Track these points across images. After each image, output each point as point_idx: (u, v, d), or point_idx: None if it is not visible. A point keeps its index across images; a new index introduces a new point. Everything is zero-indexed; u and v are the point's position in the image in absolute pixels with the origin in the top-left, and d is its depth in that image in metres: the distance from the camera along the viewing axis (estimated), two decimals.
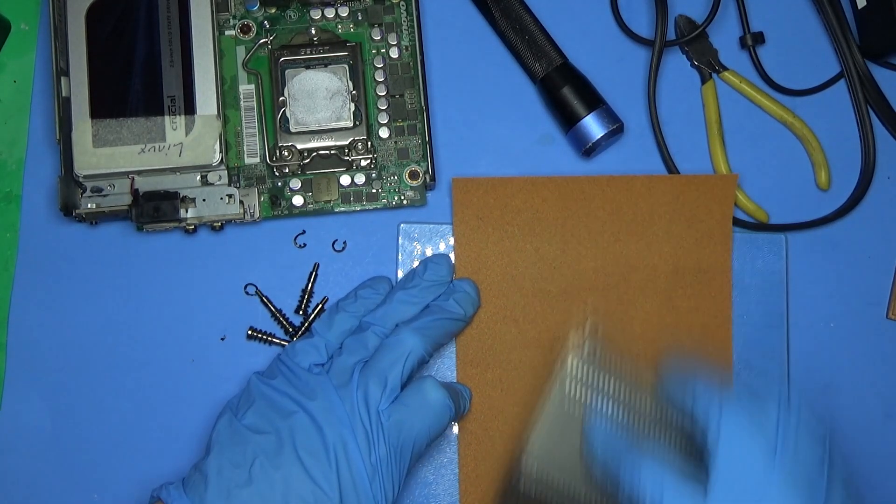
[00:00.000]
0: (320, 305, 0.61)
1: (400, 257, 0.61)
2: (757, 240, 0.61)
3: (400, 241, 0.61)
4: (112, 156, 0.59)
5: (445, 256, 0.60)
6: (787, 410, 0.50)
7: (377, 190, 0.62)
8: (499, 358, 0.60)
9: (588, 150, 0.61)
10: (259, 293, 0.61)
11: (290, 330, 0.61)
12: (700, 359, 0.57)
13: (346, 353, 0.56)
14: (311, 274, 0.62)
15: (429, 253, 0.61)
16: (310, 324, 0.61)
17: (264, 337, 0.61)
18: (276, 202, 0.61)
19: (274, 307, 0.61)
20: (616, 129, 0.61)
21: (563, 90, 0.61)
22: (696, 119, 0.63)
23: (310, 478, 0.52)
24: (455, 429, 0.60)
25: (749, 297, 0.61)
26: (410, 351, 0.55)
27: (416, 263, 0.61)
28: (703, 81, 0.63)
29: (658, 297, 0.60)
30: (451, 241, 0.61)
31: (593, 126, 0.60)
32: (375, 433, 0.53)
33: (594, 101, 0.61)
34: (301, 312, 0.61)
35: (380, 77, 0.62)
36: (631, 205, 0.61)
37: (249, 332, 0.61)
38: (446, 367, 0.61)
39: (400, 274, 0.61)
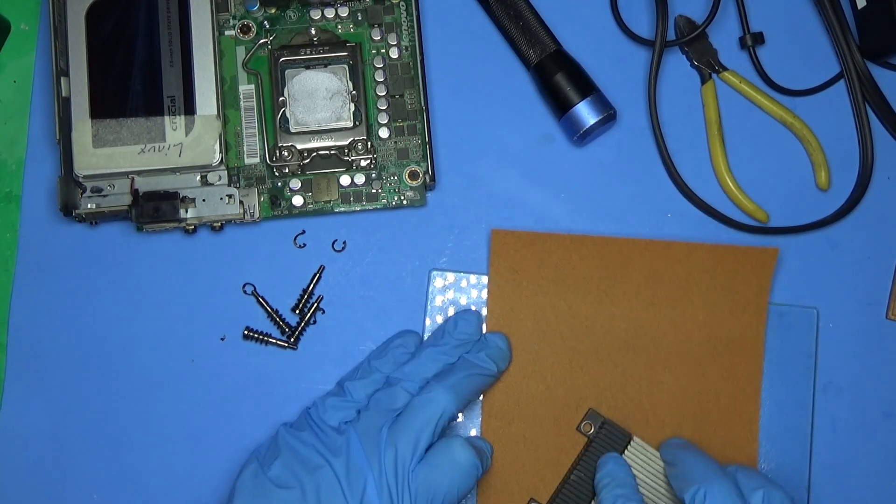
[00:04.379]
0: (316, 305, 0.61)
1: (429, 305, 0.61)
2: (788, 313, 0.61)
3: (430, 288, 0.61)
4: (112, 156, 0.59)
5: (476, 313, 0.59)
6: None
7: (377, 190, 0.62)
8: (524, 413, 0.60)
9: (581, 136, 0.61)
10: (255, 293, 0.61)
11: (287, 330, 0.61)
12: (695, 450, 0.58)
13: (373, 408, 0.55)
14: (314, 275, 0.61)
15: (453, 296, 0.61)
16: (306, 324, 0.61)
17: (260, 337, 0.61)
18: (276, 202, 0.61)
19: (270, 307, 0.61)
20: (609, 115, 0.61)
21: (557, 77, 0.61)
22: (696, 119, 0.63)
23: None
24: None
25: (774, 369, 0.61)
26: (443, 411, 0.54)
27: (441, 309, 0.61)
28: (703, 81, 0.63)
29: (688, 364, 0.60)
30: (481, 290, 0.61)
31: (586, 112, 0.60)
32: (401, 493, 0.52)
33: (587, 87, 0.61)
34: (297, 311, 0.61)
35: (380, 77, 0.62)
36: (668, 270, 0.60)
37: (245, 332, 0.61)
38: (470, 420, 0.60)
39: (427, 323, 0.61)
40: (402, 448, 0.53)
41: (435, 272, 0.61)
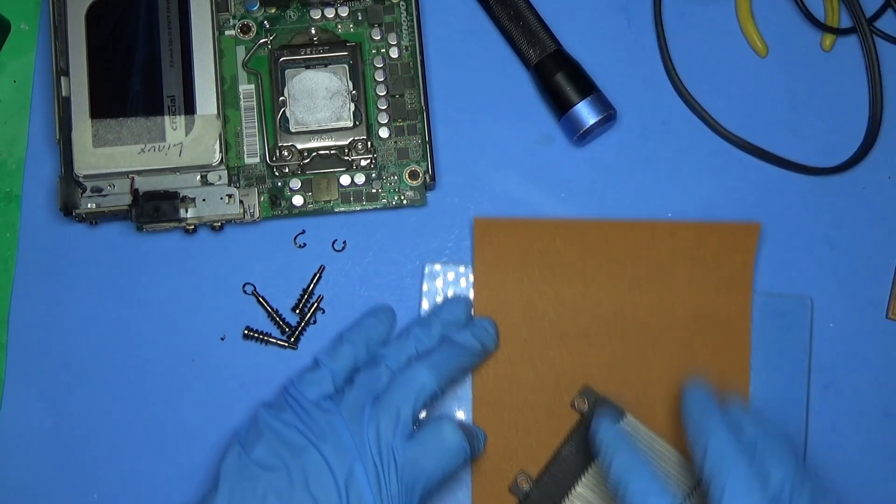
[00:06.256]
0: (316, 304, 0.61)
1: (424, 300, 0.61)
2: (781, 303, 0.61)
3: (425, 282, 0.61)
4: (112, 156, 0.59)
5: (465, 298, 0.60)
6: (794, 474, 0.51)
7: (377, 190, 0.62)
8: (515, 399, 0.60)
9: (581, 136, 0.61)
10: (255, 293, 0.61)
11: (287, 330, 0.61)
12: (717, 394, 0.57)
13: (357, 387, 0.55)
14: (314, 275, 0.61)
15: (451, 294, 0.61)
16: (305, 324, 0.61)
17: (261, 337, 0.61)
18: (276, 202, 0.61)
19: (270, 307, 0.61)
20: (609, 115, 0.61)
21: (557, 77, 0.61)
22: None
23: None
24: (468, 470, 0.60)
25: (770, 358, 0.61)
26: (423, 386, 0.54)
27: (438, 298, 0.61)
28: None
29: (677, 343, 0.60)
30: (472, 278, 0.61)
31: (586, 112, 0.61)
32: (387, 469, 0.53)
33: (587, 87, 0.61)
34: (298, 311, 0.61)
35: (380, 77, 0.62)
36: (652, 250, 0.61)
37: (246, 332, 0.61)
38: (464, 408, 0.60)
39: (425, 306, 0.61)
40: (383, 423, 0.53)
41: (429, 265, 0.61)
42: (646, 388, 0.60)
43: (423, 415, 0.56)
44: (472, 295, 0.61)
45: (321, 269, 0.62)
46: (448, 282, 0.61)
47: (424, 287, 0.61)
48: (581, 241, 0.61)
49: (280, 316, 0.61)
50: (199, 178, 0.60)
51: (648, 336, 0.60)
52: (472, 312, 0.60)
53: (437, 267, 0.61)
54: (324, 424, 0.54)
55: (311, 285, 0.61)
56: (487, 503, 0.59)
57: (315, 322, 0.61)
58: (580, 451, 0.58)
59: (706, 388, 0.56)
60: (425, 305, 0.61)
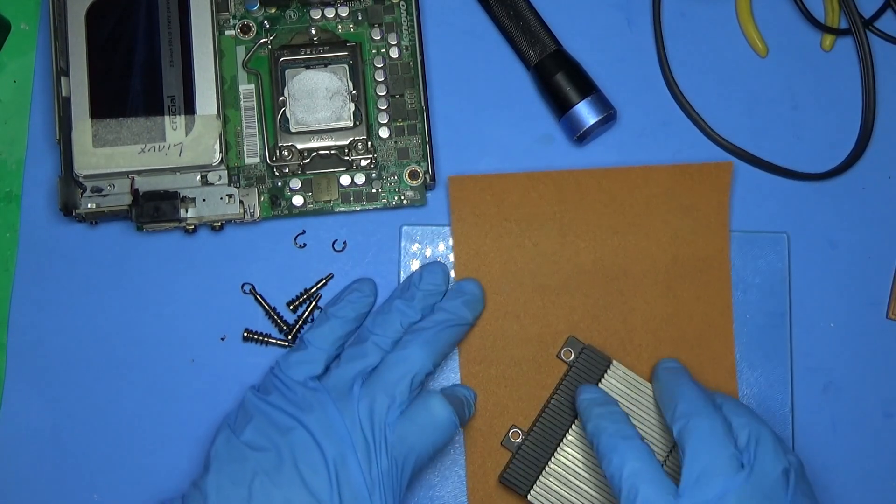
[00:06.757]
0: (314, 303, 0.61)
1: (402, 260, 0.61)
2: (758, 239, 0.62)
3: (402, 243, 0.61)
4: (112, 156, 0.59)
5: (441, 264, 0.60)
6: (755, 426, 0.52)
7: (377, 190, 0.62)
8: (501, 354, 0.60)
9: (581, 136, 0.61)
10: (253, 291, 0.61)
11: (285, 328, 0.61)
12: (686, 371, 0.58)
13: (344, 364, 0.56)
14: (321, 281, 0.61)
15: (429, 254, 0.61)
16: (303, 322, 0.61)
17: (260, 338, 0.61)
18: (276, 202, 0.61)
19: (268, 305, 0.61)
20: (609, 115, 0.61)
21: (557, 77, 0.61)
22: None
23: (310, 493, 0.52)
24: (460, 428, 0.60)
25: (751, 296, 0.61)
26: (419, 368, 0.55)
27: (416, 265, 0.61)
28: None
29: (658, 286, 0.61)
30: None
31: (586, 112, 0.61)
32: (378, 446, 0.53)
33: (587, 87, 0.61)
34: (292, 307, 0.61)
35: (380, 77, 0.62)
36: (627, 196, 0.61)
37: (245, 334, 0.61)
38: (449, 367, 0.61)
39: (402, 276, 0.61)
40: (378, 403, 0.54)
41: (406, 227, 0.61)
42: (630, 333, 0.60)
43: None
44: (451, 256, 0.61)
45: (329, 277, 0.62)
46: (426, 241, 0.61)
47: (403, 244, 0.61)
48: (556, 191, 0.61)
49: (278, 314, 0.61)
50: (199, 178, 0.60)
51: (629, 281, 0.61)
52: (453, 273, 0.61)
53: (413, 242, 0.61)
54: (312, 403, 0.54)
55: (315, 288, 0.61)
56: (481, 459, 0.60)
57: (312, 320, 0.61)
58: (569, 400, 0.59)
59: (676, 362, 0.58)
60: (403, 274, 0.61)
